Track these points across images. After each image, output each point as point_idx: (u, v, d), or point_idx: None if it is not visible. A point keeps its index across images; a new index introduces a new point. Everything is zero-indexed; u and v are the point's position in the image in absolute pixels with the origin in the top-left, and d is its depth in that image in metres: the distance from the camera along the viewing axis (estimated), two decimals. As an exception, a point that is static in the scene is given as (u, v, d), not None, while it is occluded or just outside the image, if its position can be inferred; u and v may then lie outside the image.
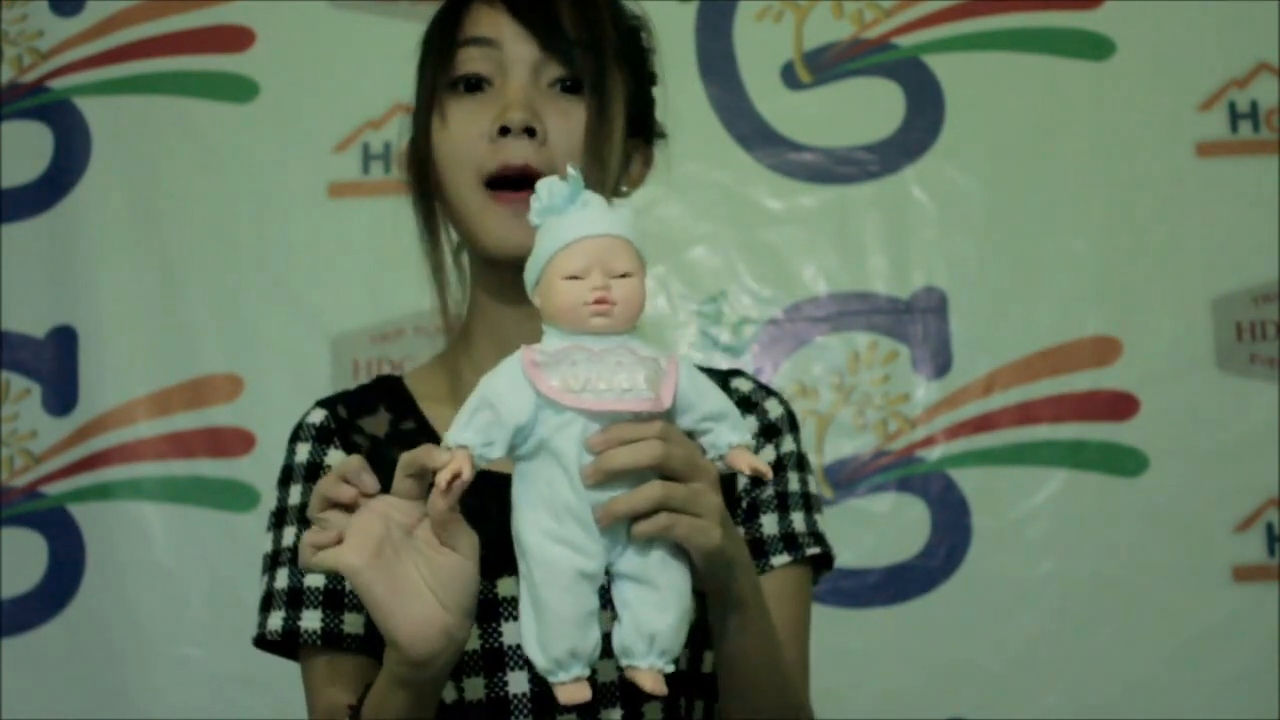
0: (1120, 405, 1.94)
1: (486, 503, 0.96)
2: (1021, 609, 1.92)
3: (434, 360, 1.25)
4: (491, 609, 1.10)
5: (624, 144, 1.16)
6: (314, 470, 1.15)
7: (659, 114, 1.22)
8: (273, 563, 1.14)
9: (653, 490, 0.90)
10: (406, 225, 1.23)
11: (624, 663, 0.92)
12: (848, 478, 1.96)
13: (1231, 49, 1.99)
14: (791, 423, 1.23)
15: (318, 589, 1.12)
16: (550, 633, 0.91)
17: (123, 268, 2.03)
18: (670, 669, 0.92)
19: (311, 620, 1.11)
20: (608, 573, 0.92)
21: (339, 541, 0.88)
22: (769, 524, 1.16)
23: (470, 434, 0.89)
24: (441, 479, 0.87)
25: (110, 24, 2.09)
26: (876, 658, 1.93)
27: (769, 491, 1.18)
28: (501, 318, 1.16)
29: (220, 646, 1.94)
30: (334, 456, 1.15)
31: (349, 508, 0.89)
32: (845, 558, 1.96)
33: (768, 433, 1.20)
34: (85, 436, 2.01)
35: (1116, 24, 2.00)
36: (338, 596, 1.12)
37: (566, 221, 0.92)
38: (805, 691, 1.14)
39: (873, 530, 1.95)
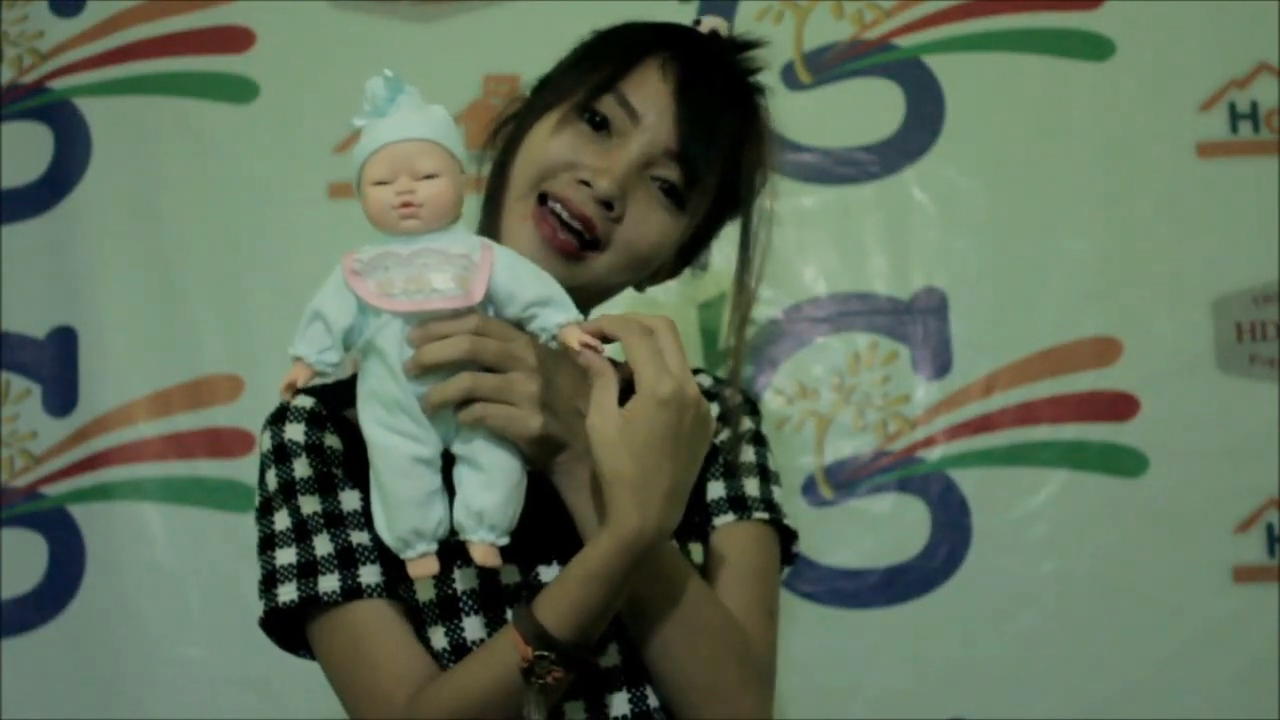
0: (1120, 405, 1.95)
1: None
2: (1021, 609, 1.92)
3: None
4: (497, 596, 1.11)
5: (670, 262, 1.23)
6: (316, 449, 1.16)
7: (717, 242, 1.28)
8: (299, 534, 1.14)
9: (460, 381, 0.98)
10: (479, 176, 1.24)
11: (460, 538, 1.00)
12: (848, 478, 1.96)
13: (1231, 49, 1.99)
14: (750, 408, 1.30)
15: (366, 546, 1.13)
16: (394, 514, 0.99)
17: (123, 268, 2.03)
18: (503, 542, 1.00)
19: (371, 575, 1.12)
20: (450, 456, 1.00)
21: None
22: (715, 489, 1.21)
23: (304, 346, 1.00)
24: (281, 386, 0.98)
25: (110, 24, 2.09)
26: (876, 658, 1.93)
27: (720, 461, 1.22)
28: None
29: (220, 646, 1.94)
30: (331, 439, 1.16)
31: None
32: (845, 558, 1.97)
33: (725, 418, 1.26)
34: (85, 437, 2.01)
35: (1116, 24, 2.00)
36: (386, 553, 1.12)
37: (376, 128, 1.00)
38: (762, 638, 1.17)
39: (873, 531, 1.95)
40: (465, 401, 0.99)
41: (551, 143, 1.14)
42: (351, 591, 1.11)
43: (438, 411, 0.98)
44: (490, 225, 1.18)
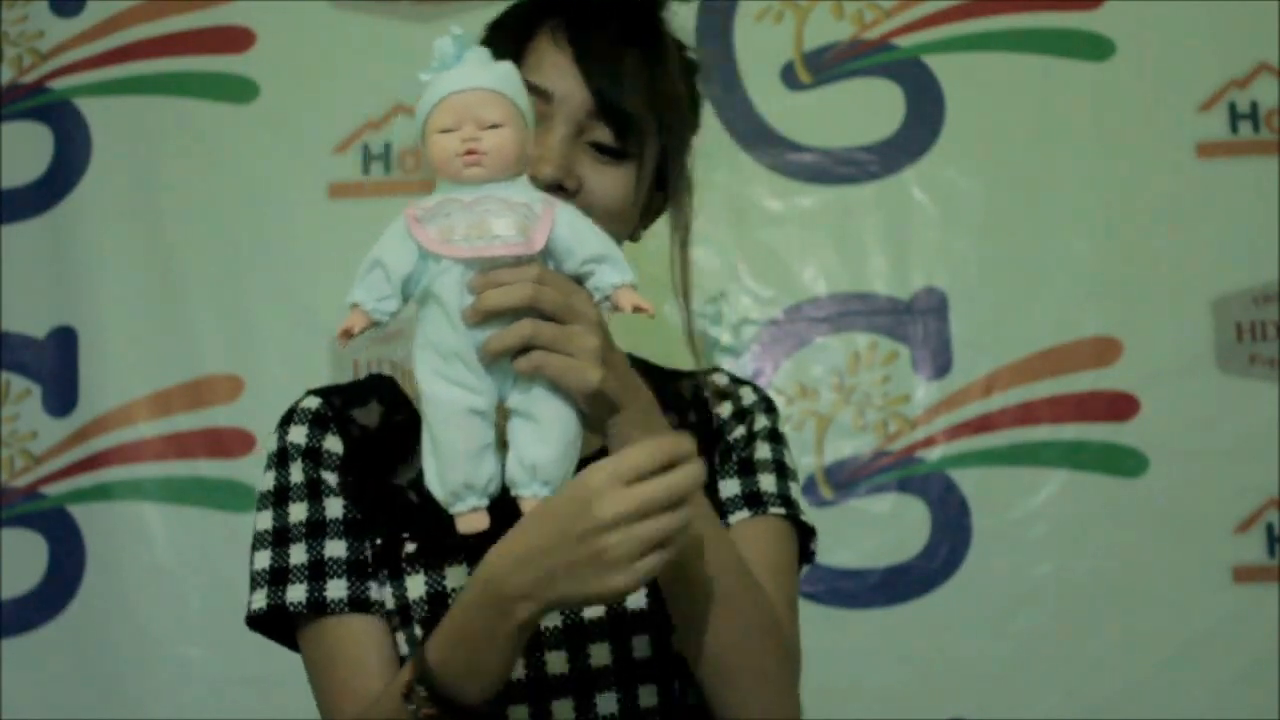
0: (1120, 405, 1.95)
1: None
2: (1021, 609, 1.92)
3: None
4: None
5: (651, 202, 1.21)
6: (313, 453, 1.16)
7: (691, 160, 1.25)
8: (279, 539, 1.15)
9: (521, 328, 0.95)
10: None
11: (513, 493, 0.97)
12: (848, 478, 1.96)
13: (1231, 49, 1.99)
14: (767, 406, 1.28)
15: (340, 559, 1.13)
16: (446, 466, 0.97)
17: (123, 268, 2.03)
18: None
19: (337, 589, 1.12)
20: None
21: None
22: (729, 486, 1.20)
23: (362, 293, 0.97)
24: (337, 334, 0.96)
25: (110, 24, 2.09)
26: (877, 658, 1.93)
27: (734, 459, 1.21)
28: None
29: (220, 646, 1.94)
30: (331, 442, 1.16)
31: None
32: (845, 558, 1.97)
33: (740, 415, 1.25)
34: (85, 437, 2.01)
35: (1116, 24, 2.00)
36: (359, 566, 1.13)
37: (442, 79, 0.98)
38: (789, 631, 1.16)
39: (873, 531, 1.95)
40: (523, 351, 0.96)
41: None
42: (316, 605, 1.11)
43: (495, 360, 0.96)
44: None
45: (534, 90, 1.12)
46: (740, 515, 1.19)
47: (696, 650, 1.09)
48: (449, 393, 0.96)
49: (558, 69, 1.13)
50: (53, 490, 2.02)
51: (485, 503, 0.97)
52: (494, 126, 0.97)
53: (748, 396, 1.27)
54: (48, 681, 1.98)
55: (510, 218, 0.96)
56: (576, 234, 0.99)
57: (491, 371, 0.97)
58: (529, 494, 0.97)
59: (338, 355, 2.01)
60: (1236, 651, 1.89)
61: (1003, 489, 1.95)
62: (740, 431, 1.24)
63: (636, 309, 0.97)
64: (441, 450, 0.97)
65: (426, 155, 0.98)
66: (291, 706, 1.88)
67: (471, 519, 0.97)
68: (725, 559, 1.07)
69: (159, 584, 1.98)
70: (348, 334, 0.96)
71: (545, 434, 0.97)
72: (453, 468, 0.96)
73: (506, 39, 1.17)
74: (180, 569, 1.98)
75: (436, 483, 0.97)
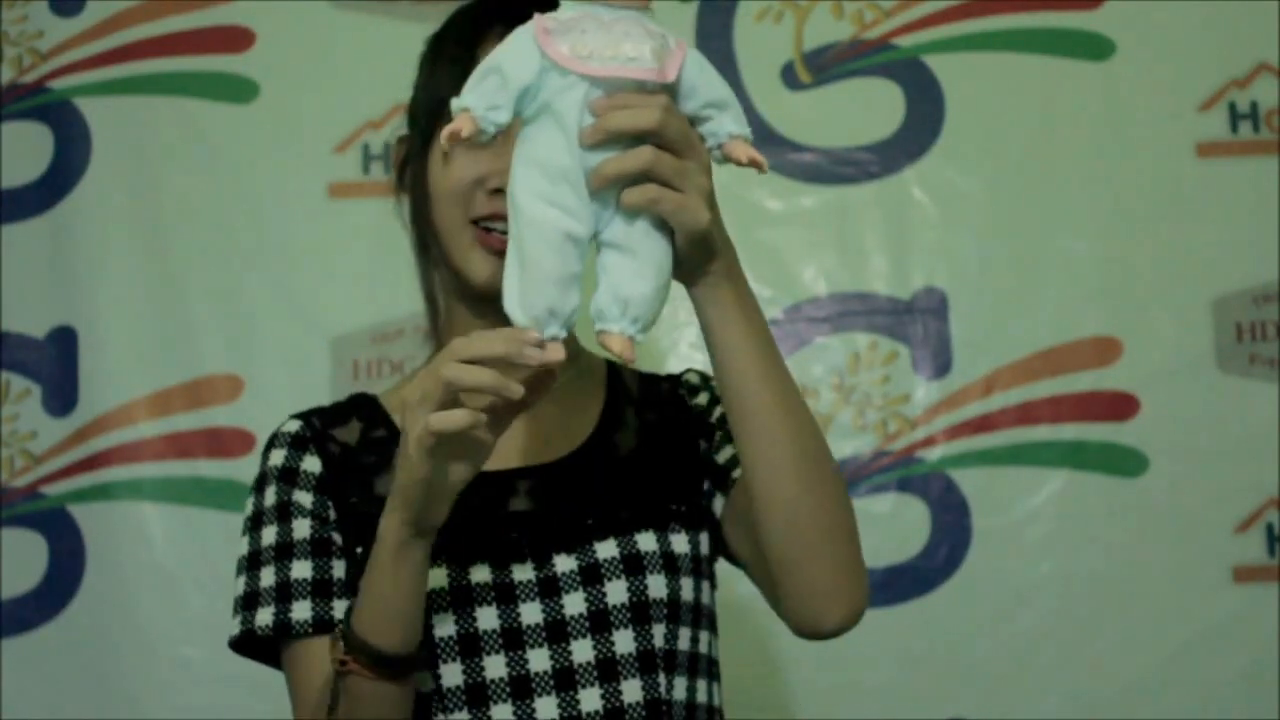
0: (1120, 405, 1.95)
1: (469, 498, 0.99)
2: (1021, 609, 1.93)
3: (409, 375, 1.29)
4: (466, 595, 1.11)
5: None
6: (289, 474, 1.18)
7: None
8: (252, 563, 1.18)
9: (643, 153, 0.91)
10: (406, 226, 1.24)
11: (597, 326, 0.94)
12: (848, 478, 1.96)
13: (1231, 49, 1.99)
14: None
15: (305, 580, 1.14)
16: (531, 290, 0.92)
17: (123, 268, 2.03)
18: (642, 338, 0.95)
19: (302, 611, 1.13)
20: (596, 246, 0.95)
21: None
22: (728, 451, 1.21)
23: (474, 97, 0.91)
24: (443, 135, 0.91)
25: (110, 24, 2.09)
26: (876, 658, 1.93)
27: (722, 429, 1.22)
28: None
29: (220, 646, 1.91)
30: (309, 462, 1.18)
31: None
32: (845, 558, 1.97)
33: (716, 400, 1.25)
34: (85, 437, 2.01)
35: (1116, 24, 2.00)
36: (325, 586, 1.14)
37: None
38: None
39: (873, 531, 1.93)
40: (632, 182, 0.93)
41: (450, 171, 1.13)
42: (282, 627, 1.13)
43: (606, 185, 0.92)
44: (435, 273, 1.19)
45: None
46: (739, 472, 1.19)
47: (785, 505, 1.11)
48: (549, 215, 0.92)
49: None
50: (53, 490, 2.02)
51: (564, 334, 0.93)
52: None
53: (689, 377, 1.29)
54: (48, 681, 1.98)
55: (648, 44, 0.92)
56: (704, 75, 0.95)
57: (595, 199, 0.93)
58: (616, 330, 0.93)
59: (338, 354, 2.01)
60: (1236, 651, 1.89)
61: (1003, 489, 1.95)
62: (720, 410, 1.25)
63: (752, 161, 0.95)
64: (530, 273, 0.92)
65: None
66: (290, 707, 1.88)
67: (552, 349, 0.93)
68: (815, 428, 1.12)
69: (159, 584, 1.98)
70: (454, 136, 0.91)
71: (642, 270, 0.94)
72: (539, 293, 0.92)
73: (455, 48, 1.17)
74: (180, 569, 1.98)
75: (518, 307, 0.93)
